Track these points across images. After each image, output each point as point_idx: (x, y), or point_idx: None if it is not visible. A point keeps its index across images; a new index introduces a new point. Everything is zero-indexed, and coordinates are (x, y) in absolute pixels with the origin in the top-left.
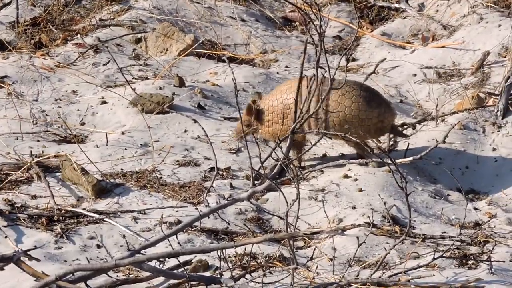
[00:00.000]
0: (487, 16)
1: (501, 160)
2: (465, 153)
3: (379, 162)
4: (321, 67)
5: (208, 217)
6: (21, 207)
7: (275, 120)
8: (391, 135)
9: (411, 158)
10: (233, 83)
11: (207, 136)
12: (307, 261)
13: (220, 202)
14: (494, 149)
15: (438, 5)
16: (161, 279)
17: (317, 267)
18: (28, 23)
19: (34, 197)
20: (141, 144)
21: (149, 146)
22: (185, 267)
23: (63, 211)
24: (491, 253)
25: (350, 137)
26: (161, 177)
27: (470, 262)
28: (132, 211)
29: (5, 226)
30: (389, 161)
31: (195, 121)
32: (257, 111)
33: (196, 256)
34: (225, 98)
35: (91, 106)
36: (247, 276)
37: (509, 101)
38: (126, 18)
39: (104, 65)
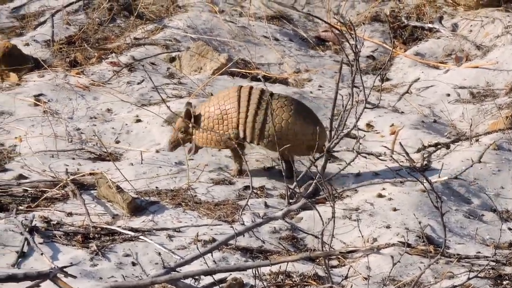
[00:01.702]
0: None
1: None
2: (500, 173)
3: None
4: (356, 87)
5: (243, 235)
6: (57, 224)
7: (210, 125)
8: (425, 155)
9: (446, 178)
10: None
11: (242, 155)
12: (342, 280)
13: (255, 221)
14: None
15: (471, 25)
16: None
17: (351, 286)
18: (63, 42)
19: (70, 214)
20: (175, 162)
21: (184, 164)
22: (220, 285)
23: (98, 229)
24: None
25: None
26: (195, 195)
27: (505, 283)
28: (167, 229)
29: (41, 243)
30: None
31: (230, 139)
32: (195, 116)
33: (231, 274)
34: None
35: (126, 124)
36: None
37: None
38: (160, 37)
39: (138, 83)
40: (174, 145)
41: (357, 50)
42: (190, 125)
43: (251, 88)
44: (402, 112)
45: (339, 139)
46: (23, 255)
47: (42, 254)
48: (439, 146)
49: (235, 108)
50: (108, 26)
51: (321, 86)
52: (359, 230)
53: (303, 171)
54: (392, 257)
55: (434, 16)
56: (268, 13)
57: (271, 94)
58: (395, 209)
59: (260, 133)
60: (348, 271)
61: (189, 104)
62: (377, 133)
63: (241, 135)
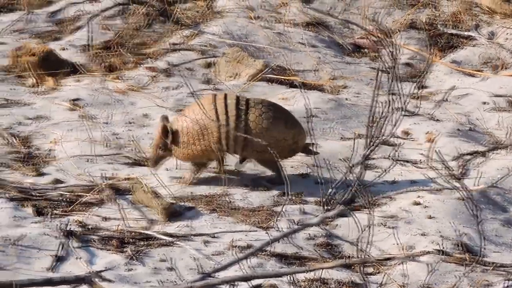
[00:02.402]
0: None
1: None
2: None
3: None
4: (394, 94)
5: (279, 242)
6: (93, 228)
7: (191, 141)
8: (461, 163)
9: (483, 186)
10: (302, 108)
11: (278, 160)
12: (378, 287)
13: (291, 227)
14: None
15: (508, 33)
16: None
17: None
18: (100, 47)
19: (106, 219)
20: (211, 167)
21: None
22: None
23: (134, 234)
24: None
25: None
26: (231, 201)
27: None
28: (203, 235)
29: (77, 247)
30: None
31: (267, 145)
32: (172, 133)
33: (267, 280)
34: None
35: None
36: None
37: None
38: (196, 42)
39: (175, 89)
40: (155, 161)
41: (395, 57)
42: (168, 142)
43: (226, 96)
44: (439, 120)
45: (375, 147)
46: (59, 259)
47: (78, 258)
48: (475, 154)
49: (215, 123)
50: (145, 31)
51: (357, 93)
52: (395, 237)
53: (340, 178)
54: (428, 264)
55: (470, 23)
56: (304, 20)
57: (247, 101)
58: (431, 217)
59: (244, 144)
60: (384, 278)
61: (164, 118)
62: (413, 140)
63: (224, 148)
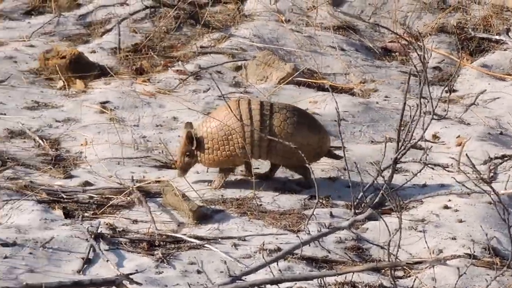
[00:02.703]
0: None
1: None
2: None
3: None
4: (424, 97)
5: (309, 245)
6: (122, 231)
7: (215, 147)
8: (491, 167)
9: None
10: (331, 112)
11: (308, 164)
12: None
13: (320, 230)
14: None
15: None
16: None
17: None
18: (129, 50)
19: (135, 221)
20: (241, 171)
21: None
22: None
23: (163, 236)
24: None
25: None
26: (261, 204)
27: None
28: (232, 238)
29: (106, 250)
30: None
31: (296, 148)
32: (196, 139)
33: (296, 283)
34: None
35: None
36: None
37: None
38: (226, 45)
39: (204, 92)
40: (183, 169)
41: (425, 61)
42: (193, 148)
43: (249, 102)
44: (468, 124)
45: (406, 150)
46: (88, 262)
47: (107, 261)
48: (505, 158)
49: (239, 128)
50: (175, 34)
51: (387, 97)
52: (425, 241)
53: (370, 181)
54: (458, 268)
55: (501, 28)
56: (334, 23)
57: (271, 106)
58: (461, 221)
59: (268, 149)
60: (414, 282)
61: (189, 125)
62: (443, 144)
63: (249, 153)
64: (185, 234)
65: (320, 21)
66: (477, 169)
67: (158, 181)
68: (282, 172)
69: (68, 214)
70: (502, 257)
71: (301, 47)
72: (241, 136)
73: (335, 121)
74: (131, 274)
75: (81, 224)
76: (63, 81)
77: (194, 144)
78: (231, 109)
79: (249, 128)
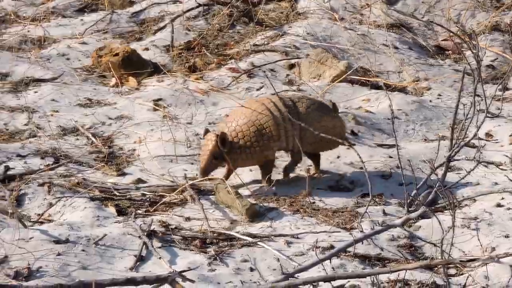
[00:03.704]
0: None
1: None
2: None
3: None
4: (478, 95)
5: (362, 243)
6: (175, 228)
7: (248, 144)
8: None
9: None
10: (385, 110)
11: (362, 162)
12: None
13: (373, 228)
14: None
15: None
16: None
17: None
18: (182, 47)
19: (188, 219)
20: (300, 170)
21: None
22: None
23: (216, 234)
24: None
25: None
26: (314, 202)
27: None
28: (285, 235)
29: (159, 247)
30: None
31: (351, 145)
32: (230, 142)
33: (349, 281)
34: (378, 125)
35: None
36: None
37: None
38: (280, 43)
39: (257, 89)
40: (208, 172)
41: (479, 59)
42: (225, 150)
43: (268, 98)
44: None
45: (460, 148)
46: (141, 259)
47: (160, 258)
48: None
49: (272, 121)
50: (228, 32)
51: (440, 95)
52: (478, 239)
53: (423, 179)
54: (510, 266)
55: None
56: (387, 21)
57: (290, 99)
58: None
59: (300, 139)
60: (467, 280)
61: (207, 130)
62: (496, 142)
63: (284, 145)
64: (238, 232)
65: (373, 19)
66: None
67: (211, 179)
68: (335, 170)
69: (120, 212)
70: None
71: (355, 45)
72: (275, 128)
73: (389, 119)
74: (183, 271)
75: (133, 221)
76: (116, 79)
77: (227, 146)
78: (251, 108)
79: (279, 119)
